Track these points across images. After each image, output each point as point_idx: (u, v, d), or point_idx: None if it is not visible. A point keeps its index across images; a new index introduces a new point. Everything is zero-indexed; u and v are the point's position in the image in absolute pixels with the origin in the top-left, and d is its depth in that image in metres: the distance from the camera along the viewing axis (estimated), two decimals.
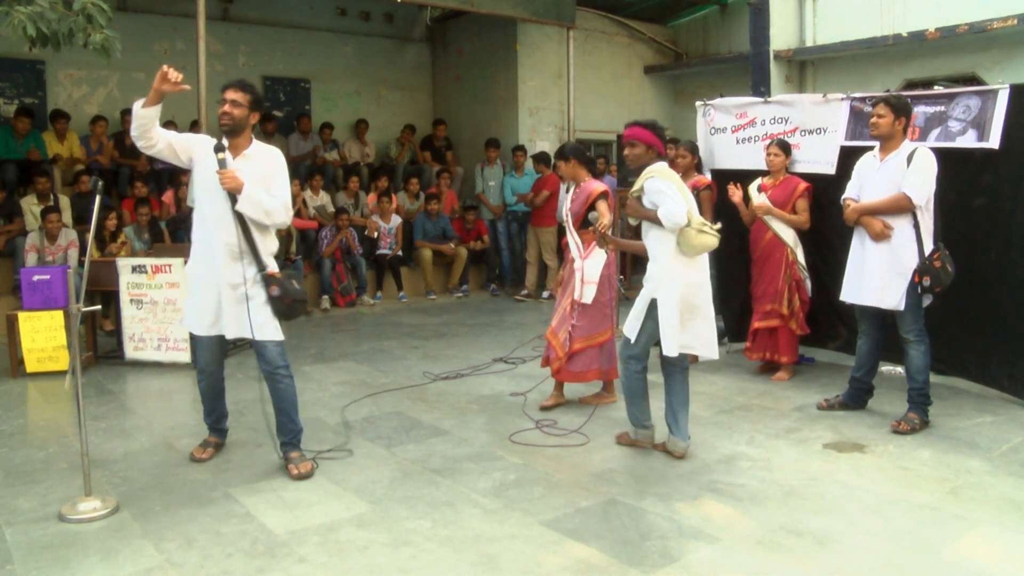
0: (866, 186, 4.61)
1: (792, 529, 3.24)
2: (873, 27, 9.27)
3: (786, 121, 5.95)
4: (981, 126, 4.87)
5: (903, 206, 4.37)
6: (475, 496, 3.60)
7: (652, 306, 3.98)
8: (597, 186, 4.93)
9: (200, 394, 4.18)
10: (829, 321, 5.84)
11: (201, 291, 3.90)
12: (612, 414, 4.85)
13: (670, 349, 3.94)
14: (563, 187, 5.27)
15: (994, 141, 4.79)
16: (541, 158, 9.82)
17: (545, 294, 9.70)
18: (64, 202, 8.00)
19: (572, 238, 4.95)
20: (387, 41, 12.00)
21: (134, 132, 3.75)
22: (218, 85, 12.25)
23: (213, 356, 4.05)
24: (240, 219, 3.77)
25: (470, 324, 8.04)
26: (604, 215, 4.63)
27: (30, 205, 7.82)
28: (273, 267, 3.90)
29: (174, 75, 3.71)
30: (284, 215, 3.85)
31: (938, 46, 8.79)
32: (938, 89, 5.29)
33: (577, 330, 4.85)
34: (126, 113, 9.32)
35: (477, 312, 8.81)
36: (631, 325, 4.11)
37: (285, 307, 3.82)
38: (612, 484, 3.73)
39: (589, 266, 4.81)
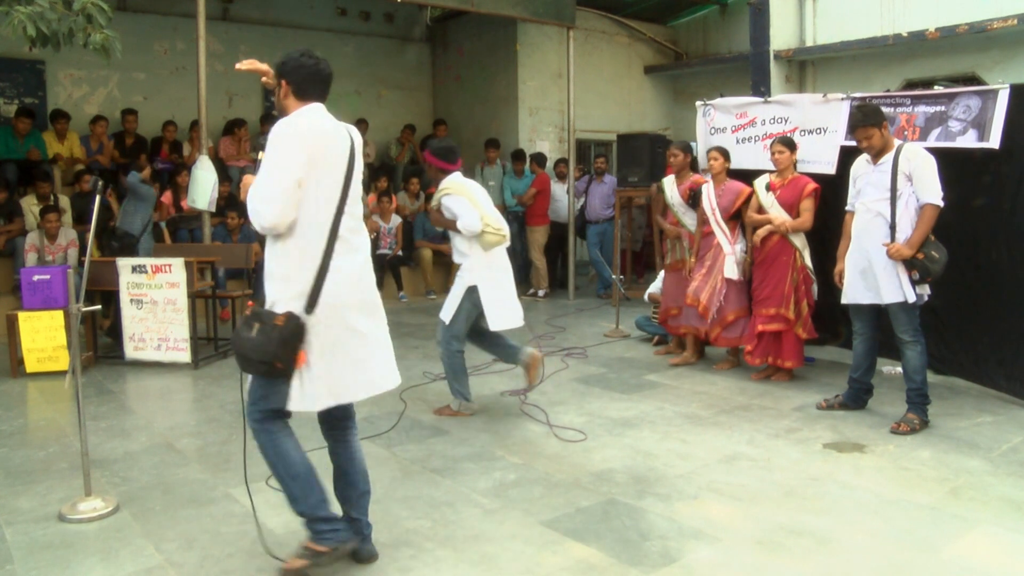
0: (863, 189, 4.60)
1: (792, 529, 3.24)
2: (873, 27, 9.27)
3: (786, 121, 5.95)
4: (981, 126, 4.87)
5: (934, 216, 4.34)
6: (475, 496, 3.60)
7: (470, 291, 4.68)
8: (744, 187, 5.81)
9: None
10: (830, 321, 5.83)
11: None
12: (611, 413, 4.85)
13: (497, 323, 4.72)
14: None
15: (994, 141, 4.79)
16: (535, 158, 9.96)
17: (541, 293, 9.72)
18: (64, 202, 8.00)
19: (720, 227, 5.86)
20: (387, 41, 12.00)
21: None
22: (218, 85, 12.27)
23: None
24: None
25: None
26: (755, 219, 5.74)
27: (30, 205, 7.82)
28: (281, 300, 2.73)
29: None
30: (258, 214, 2.68)
31: (938, 46, 8.79)
32: (938, 89, 5.29)
33: (730, 303, 5.84)
34: (127, 113, 9.33)
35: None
36: (447, 310, 4.76)
37: (237, 354, 2.74)
38: (612, 484, 3.73)
39: (737, 250, 5.84)
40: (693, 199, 6.11)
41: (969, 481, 3.74)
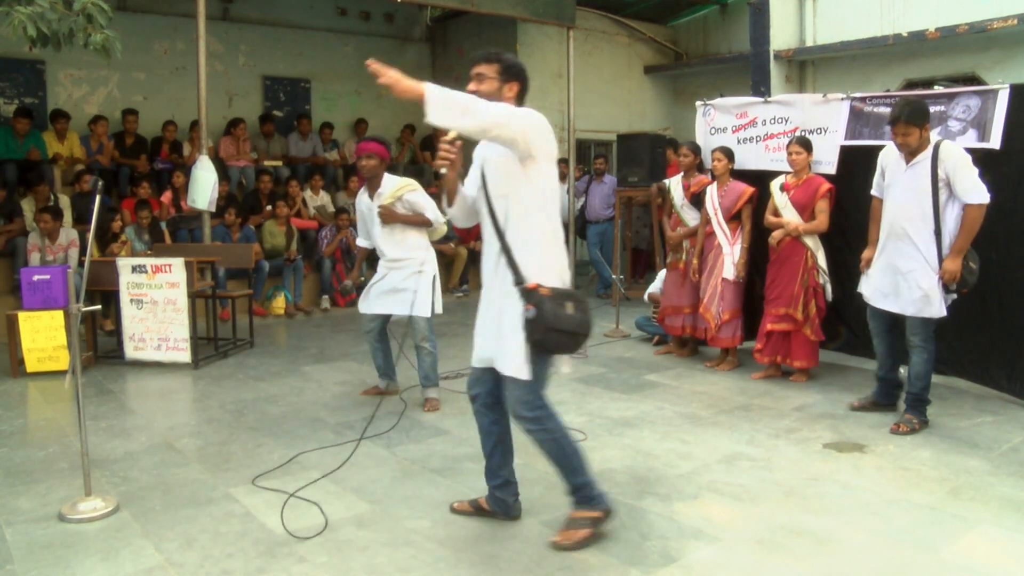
0: (892, 187, 4.50)
1: (792, 529, 3.24)
2: (873, 27, 9.27)
3: (786, 121, 5.95)
4: (981, 126, 4.87)
5: (979, 216, 4.24)
6: (475, 496, 3.60)
7: (434, 281, 4.95)
8: (747, 188, 5.82)
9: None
10: (829, 321, 5.83)
11: (481, 307, 3.25)
12: (611, 413, 4.85)
13: (440, 307, 5.00)
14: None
15: (994, 141, 4.79)
16: None
17: None
18: (64, 202, 7.99)
19: (721, 227, 5.87)
20: (387, 41, 12.00)
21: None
22: (218, 85, 12.25)
23: (475, 380, 3.28)
24: (492, 213, 3.03)
25: (470, 324, 7.95)
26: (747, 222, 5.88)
27: (30, 205, 7.82)
28: (541, 276, 2.96)
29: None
30: (509, 130, 2.83)
31: (938, 46, 8.79)
32: (938, 89, 5.28)
33: (726, 303, 5.85)
34: (127, 113, 9.33)
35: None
36: (425, 305, 4.87)
37: (540, 335, 2.87)
38: (612, 484, 3.72)
39: (736, 251, 5.84)
40: (696, 199, 6.11)
41: (969, 481, 3.74)
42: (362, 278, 5.50)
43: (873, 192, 4.73)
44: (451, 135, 2.89)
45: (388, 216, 4.88)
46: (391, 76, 2.68)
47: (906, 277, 4.40)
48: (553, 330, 2.86)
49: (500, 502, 3.33)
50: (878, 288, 4.58)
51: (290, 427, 4.66)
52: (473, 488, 3.69)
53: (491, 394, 3.20)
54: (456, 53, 11.97)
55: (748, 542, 3.13)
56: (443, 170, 3.00)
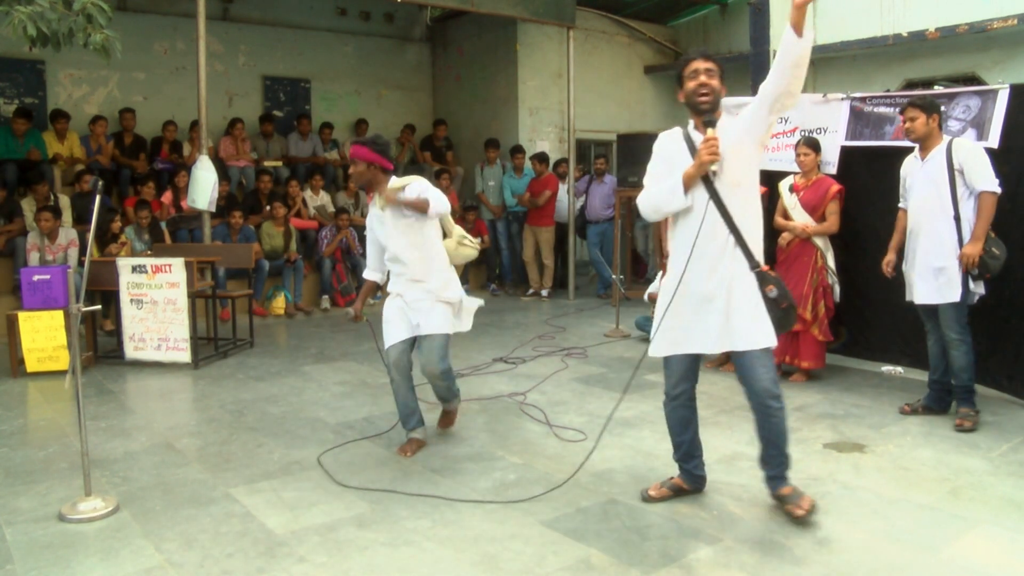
0: (912, 188, 4.62)
1: (792, 529, 3.24)
2: (873, 27, 9.27)
3: (786, 121, 5.94)
4: (981, 126, 4.88)
5: (993, 203, 4.36)
6: (475, 496, 3.60)
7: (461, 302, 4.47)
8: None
9: (668, 428, 3.57)
10: (829, 322, 5.83)
11: (682, 303, 3.31)
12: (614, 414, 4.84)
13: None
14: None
15: (993, 141, 4.79)
16: (540, 158, 9.93)
17: (545, 292, 9.73)
18: (64, 202, 7.99)
19: None
20: (387, 41, 12.00)
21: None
22: (218, 85, 12.24)
23: (681, 377, 3.45)
24: (720, 203, 3.20)
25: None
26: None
27: (30, 205, 7.82)
28: (763, 258, 3.31)
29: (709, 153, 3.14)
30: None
31: (938, 46, 8.79)
32: (938, 89, 5.29)
33: None
34: (124, 111, 9.33)
35: (477, 312, 8.78)
36: (447, 326, 4.32)
37: (781, 312, 3.22)
38: (612, 484, 3.72)
39: None
40: None
41: (969, 481, 3.74)
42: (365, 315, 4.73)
43: (900, 204, 4.81)
44: (711, 131, 3.15)
45: (390, 199, 4.08)
46: None
47: (930, 265, 4.48)
48: (790, 306, 3.22)
49: (698, 479, 3.59)
50: (915, 285, 4.63)
51: (290, 427, 4.66)
52: (473, 487, 3.69)
53: (694, 387, 3.50)
54: (456, 53, 11.97)
55: (748, 542, 3.13)
56: (714, 167, 3.16)
